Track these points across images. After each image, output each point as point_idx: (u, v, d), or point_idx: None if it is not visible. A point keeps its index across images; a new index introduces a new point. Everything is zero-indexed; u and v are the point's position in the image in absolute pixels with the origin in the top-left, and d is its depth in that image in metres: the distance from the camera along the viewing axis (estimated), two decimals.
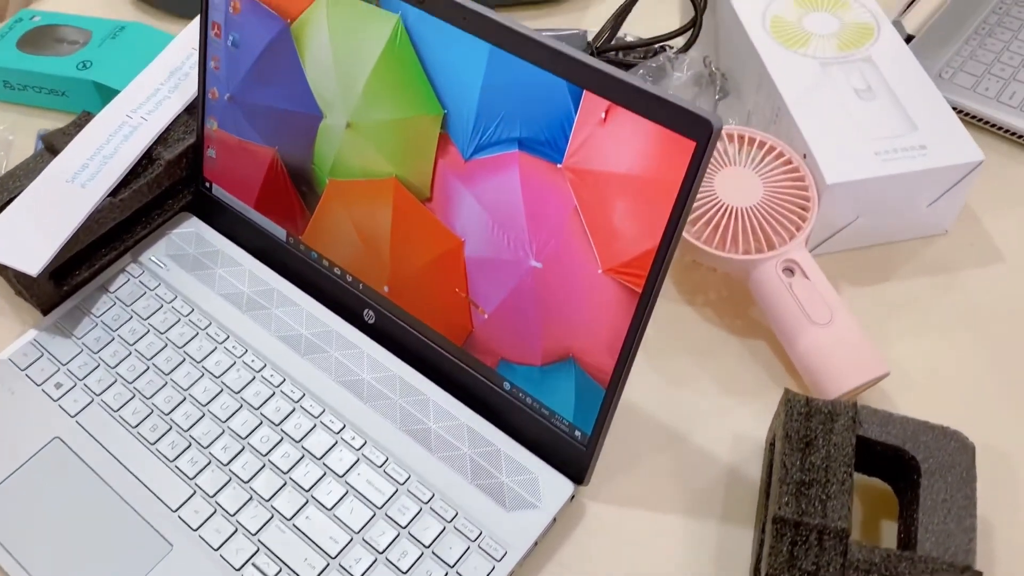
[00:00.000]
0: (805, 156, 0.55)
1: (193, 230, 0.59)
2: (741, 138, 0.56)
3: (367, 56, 0.47)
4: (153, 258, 0.58)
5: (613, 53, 0.65)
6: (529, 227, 0.44)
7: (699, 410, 0.52)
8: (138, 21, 0.76)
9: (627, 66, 0.65)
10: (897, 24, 0.68)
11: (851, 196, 0.54)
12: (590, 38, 0.66)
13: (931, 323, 0.55)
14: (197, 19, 0.65)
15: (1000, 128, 0.64)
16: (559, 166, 0.42)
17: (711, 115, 0.37)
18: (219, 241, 0.59)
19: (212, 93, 0.56)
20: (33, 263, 0.53)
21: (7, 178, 0.59)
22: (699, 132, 0.37)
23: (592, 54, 0.64)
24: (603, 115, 0.40)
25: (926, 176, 0.54)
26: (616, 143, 0.40)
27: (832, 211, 0.55)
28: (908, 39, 0.68)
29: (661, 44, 0.65)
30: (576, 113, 0.41)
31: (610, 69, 0.39)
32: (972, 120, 0.64)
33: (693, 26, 0.65)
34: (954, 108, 0.64)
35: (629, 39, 0.68)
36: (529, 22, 0.74)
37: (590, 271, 0.43)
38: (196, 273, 0.57)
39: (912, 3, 0.70)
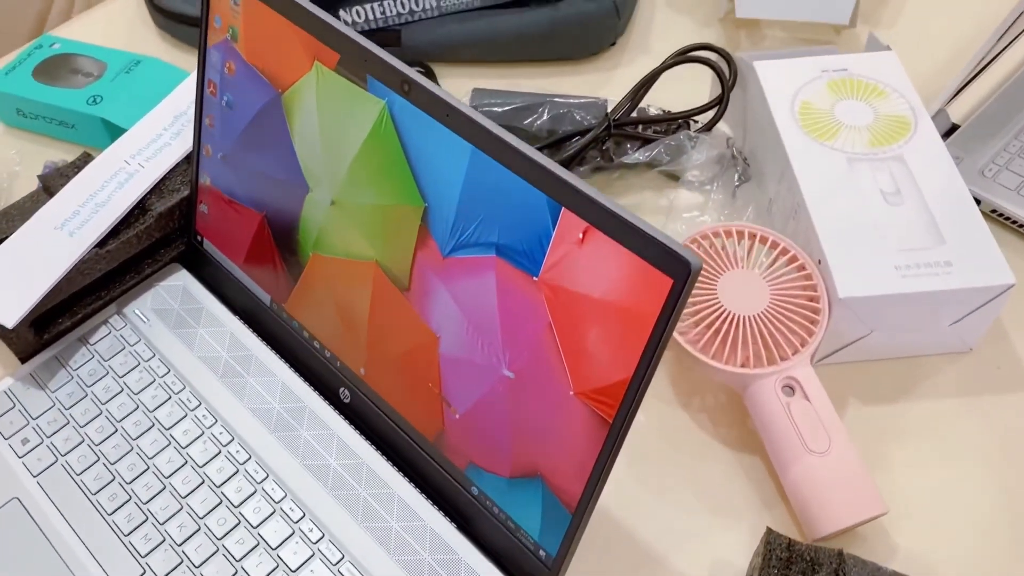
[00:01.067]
0: (820, 262, 0.52)
1: (181, 283, 0.58)
2: (752, 236, 0.53)
3: (353, 137, 0.45)
4: (137, 311, 0.56)
5: (632, 127, 0.62)
6: (503, 335, 0.42)
7: (680, 528, 0.49)
8: (162, 51, 0.76)
9: (646, 141, 0.62)
10: (941, 113, 0.64)
11: (865, 311, 0.50)
12: (610, 108, 0.63)
13: (944, 451, 0.51)
14: None
15: None
16: (535, 279, 0.39)
17: (690, 255, 0.34)
18: (205, 298, 0.57)
19: (206, 149, 0.54)
20: (10, 315, 0.52)
21: (1, 217, 0.58)
22: (676, 271, 0.34)
23: (609, 126, 0.61)
24: (581, 235, 0.37)
25: (950, 296, 0.50)
26: (593, 266, 0.37)
27: (844, 324, 0.51)
28: (951, 130, 0.64)
29: (684, 119, 0.62)
30: (554, 229, 0.38)
31: (590, 190, 0.36)
32: (1013, 225, 0.60)
33: (719, 103, 0.61)
34: (994, 211, 0.60)
35: (652, 110, 0.65)
36: (552, 80, 0.72)
37: (562, 391, 0.40)
38: (178, 331, 0.55)
39: (961, 91, 0.65)
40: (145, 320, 0.56)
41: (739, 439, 0.52)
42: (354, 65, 0.43)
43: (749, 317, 0.50)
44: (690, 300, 0.51)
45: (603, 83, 0.72)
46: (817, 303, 0.50)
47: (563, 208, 0.37)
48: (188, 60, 0.75)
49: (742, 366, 0.49)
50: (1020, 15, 0.67)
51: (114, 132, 0.66)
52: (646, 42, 0.74)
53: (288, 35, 0.46)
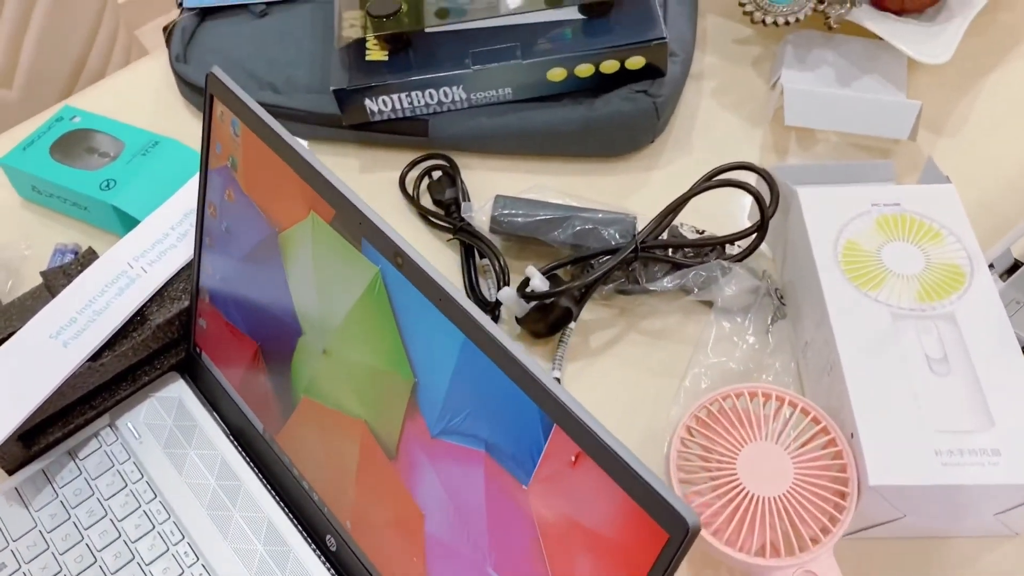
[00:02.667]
0: (852, 435, 0.47)
1: (177, 395, 0.56)
2: (781, 399, 0.49)
3: (346, 295, 0.42)
4: (130, 425, 0.54)
5: (660, 250, 0.58)
6: (490, 535, 0.38)
7: None
8: (187, 122, 0.74)
9: (675, 265, 0.58)
10: (1005, 254, 0.58)
11: (898, 499, 0.46)
12: (639, 223, 0.59)
13: None
14: None
15: None
16: (524, 487, 0.36)
17: (690, 513, 0.30)
18: (200, 414, 0.55)
19: (207, 268, 0.52)
20: None
21: (2, 315, 0.56)
22: (674, 528, 0.30)
23: (635, 249, 0.57)
24: (573, 458, 0.33)
25: (997, 491, 0.45)
26: (585, 493, 0.33)
27: (873, 508, 0.47)
28: (1014, 267, 0.59)
29: (718, 244, 0.58)
30: (545, 443, 0.34)
31: (586, 416, 0.32)
32: None
33: (757, 231, 0.57)
34: None
35: (684, 228, 0.61)
36: (583, 178, 0.68)
37: None
38: (169, 451, 0.53)
39: None
40: (137, 436, 0.54)
41: None
42: (349, 225, 0.40)
43: (770, 499, 0.45)
44: (708, 473, 0.47)
45: (637, 185, 0.68)
46: (846, 487, 0.46)
47: (555, 426, 0.34)
48: None
49: (758, 553, 0.45)
50: None
51: (124, 219, 0.64)
52: (687, 139, 0.70)
53: (286, 178, 0.43)
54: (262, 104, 0.70)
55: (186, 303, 0.55)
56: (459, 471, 0.39)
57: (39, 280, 0.64)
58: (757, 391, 0.49)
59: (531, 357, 0.34)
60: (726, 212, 0.64)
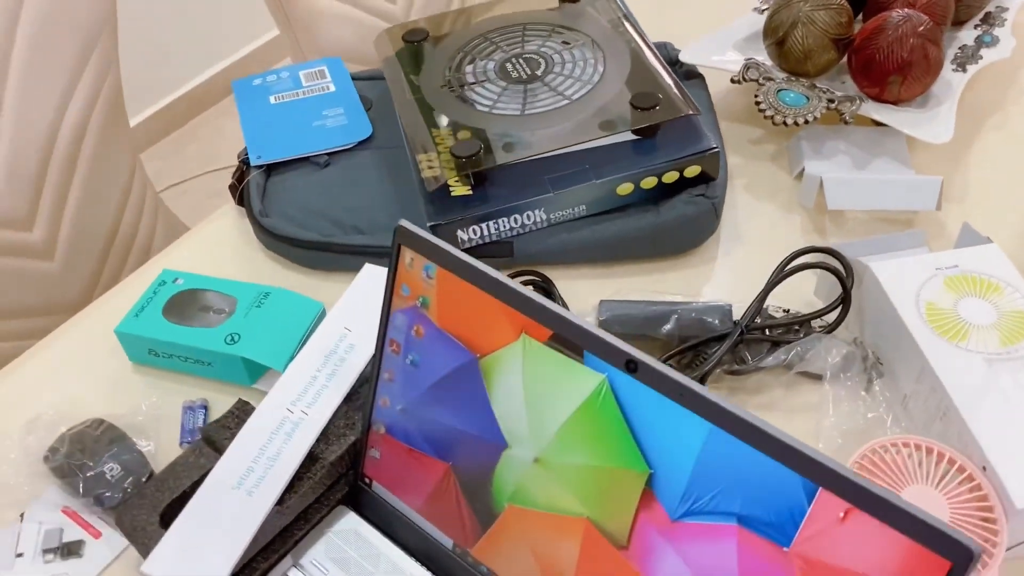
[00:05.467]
0: (984, 468, 0.54)
1: (352, 527, 0.58)
2: (918, 447, 0.55)
3: (564, 404, 0.47)
4: (315, 561, 0.57)
5: (760, 331, 0.65)
6: None
7: None
8: (274, 273, 0.78)
9: (775, 343, 0.65)
10: None
11: None
12: (735, 310, 0.67)
13: None
14: (346, 297, 0.65)
15: None
16: (786, 550, 0.41)
17: (970, 542, 0.36)
18: (379, 541, 0.58)
19: (383, 401, 0.56)
20: None
21: (166, 474, 0.59)
22: (956, 556, 0.36)
23: (742, 332, 0.64)
24: (842, 514, 0.39)
25: None
26: (856, 544, 0.39)
27: (1019, 529, 0.53)
28: None
29: (808, 320, 0.65)
30: (809, 507, 0.40)
31: (853, 476, 0.38)
32: None
33: (842, 303, 0.65)
34: None
35: (772, 311, 0.68)
36: (655, 276, 0.75)
37: None
38: None
39: None
40: (324, 571, 0.56)
41: None
42: (569, 342, 0.46)
43: None
44: None
45: (704, 277, 0.75)
46: (993, 515, 0.52)
47: (820, 489, 0.39)
48: (303, 283, 0.77)
49: None
50: None
51: (252, 369, 0.68)
52: (736, 232, 0.78)
53: (491, 310, 0.48)
54: (354, 245, 0.75)
55: (352, 438, 0.59)
56: (707, 547, 0.44)
57: (175, 440, 0.66)
58: (898, 442, 0.56)
59: (782, 430, 0.40)
60: (791, 291, 0.72)
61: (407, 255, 0.51)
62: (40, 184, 0.93)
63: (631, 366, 0.44)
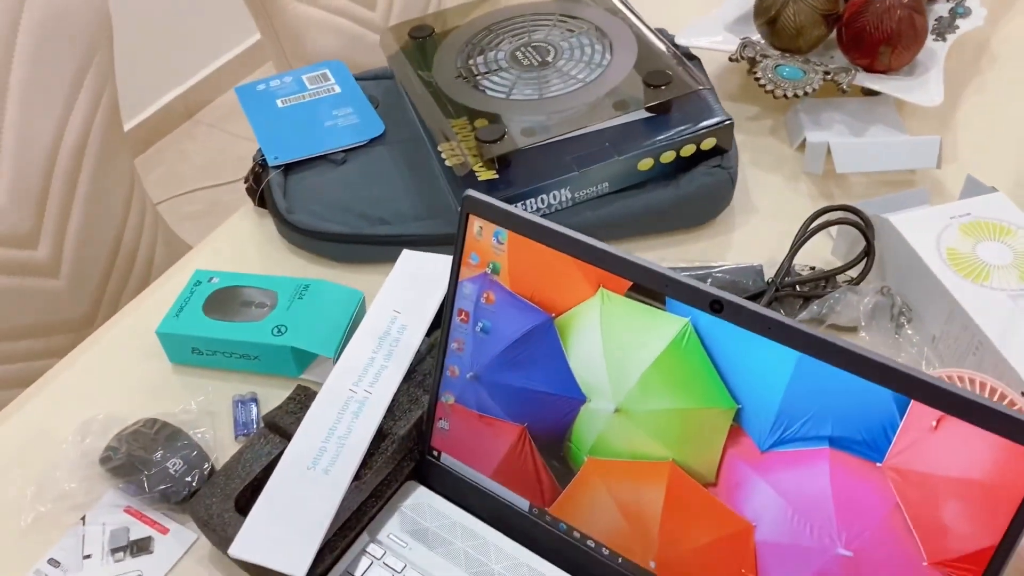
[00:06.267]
0: (1023, 393, 0.57)
1: (424, 501, 0.60)
2: (961, 379, 0.59)
3: (647, 351, 0.49)
4: (392, 535, 0.58)
5: (791, 287, 0.68)
6: (838, 518, 0.45)
7: None
8: (300, 267, 0.79)
9: (807, 298, 0.68)
10: None
11: None
12: (767, 272, 0.69)
13: None
14: (390, 281, 0.67)
15: None
16: (879, 465, 0.44)
17: None
18: (452, 511, 0.59)
19: (451, 371, 0.57)
20: (299, 566, 0.53)
21: (234, 463, 0.59)
22: None
23: (776, 289, 0.67)
24: (934, 423, 0.42)
25: None
26: (949, 449, 0.42)
27: None
28: None
29: (836, 274, 0.69)
30: (902, 420, 0.42)
31: (942, 383, 0.41)
32: None
33: (867, 256, 0.68)
34: None
35: (799, 269, 0.71)
36: (679, 248, 0.78)
37: (913, 563, 0.44)
38: (440, 550, 0.57)
39: None
40: (404, 544, 0.57)
41: None
42: (650, 291, 0.48)
43: None
44: None
45: (725, 246, 0.78)
46: None
47: (912, 401, 0.42)
48: (331, 277, 0.78)
49: None
50: None
51: (300, 358, 0.68)
52: (750, 202, 0.82)
53: (566, 268, 0.50)
54: (383, 236, 0.76)
55: (418, 413, 0.60)
56: (798, 473, 0.46)
57: (229, 434, 0.66)
58: (942, 375, 0.59)
59: (871, 350, 0.43)
60: (810, 254, 0.76)
61: (475, 224, 0.53)
62: (43, 201, 0.92)
63: (716, 306, 0.46)
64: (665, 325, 0.48)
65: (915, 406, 0.42)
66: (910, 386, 0.42)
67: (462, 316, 0.56)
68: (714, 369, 0.47)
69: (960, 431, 0.41)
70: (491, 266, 0.53)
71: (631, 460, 0.52)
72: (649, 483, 0.51)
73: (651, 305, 0.48)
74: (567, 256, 0.50)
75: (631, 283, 0.49)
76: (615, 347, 0.50)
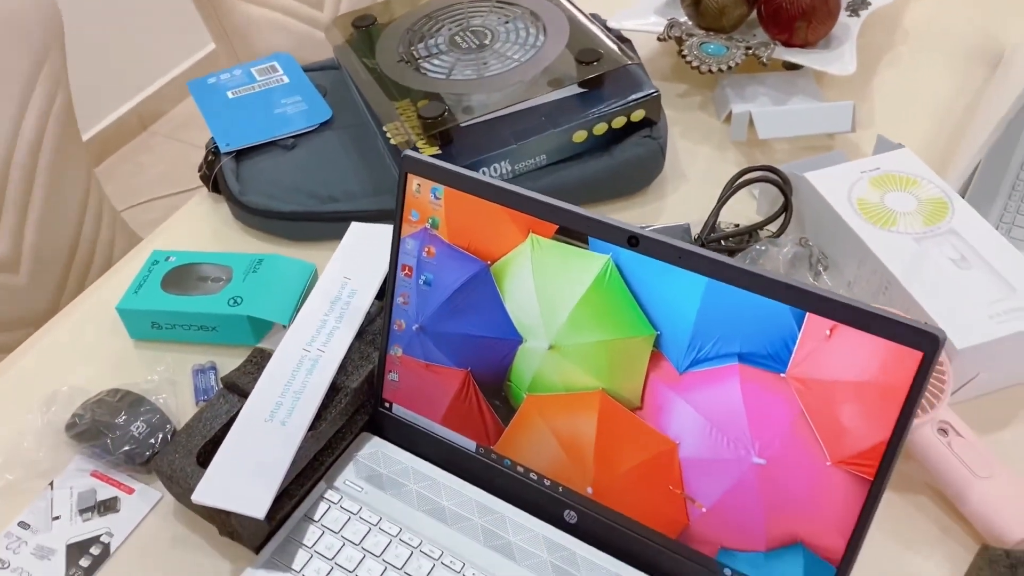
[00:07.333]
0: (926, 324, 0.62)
1: (378, 450, 0.63)
2: None
3: (574, 289, 0.53)
4: (348, 482, 0.61)
5: (717, 243, 0.73)
6: (751, 429, 0.50)
7: (886, 567, 0.57)
8: (253, 246, 0.82)
9: (731, 252, 0.73)
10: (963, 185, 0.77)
11: (977, 357, 0.61)
12: (694, 230, 0.74)
13: None
14: (340, 251, 0.70)
15: None
16: (783, 376, 0.48)
17: (936, 329, 0.43)
18: (405, 457, 0.62)
19: (398, 324, 0.61)
20: (259, 507, 0.56)
21: (196, 421, 0.62)
22: (926, 345, 0.44)
23: (702, 244, 0.71)
24: (828, 332, 0.46)
25: None
26: (842, 355, 0.46)
27: (960, 371, 0.62)
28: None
29: (757, 229, 0.74)
30: (800, 332, 0.47)
31: (834, 295, 0.46)
32: None
33: (785, 211, 0.73)
34: None
35: (724, 227, 0.76)
36: (616, 215, 0.82)
37: (818, 464, 0.48)
38: (393, 492, 0.60)
39: (972, 178, 0.79)
40: (359, 489, 0.61)
41: (903, 485, 0.61)
42: (575, 231, 0.52)
43: None
44: None
45: (658, 212, 0.83)
46: (939, 358, 0.61)
47: (807, 313, 0.47)
48: (287, 252, 0.81)
49: None
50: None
51: (257, 327, 0.71)
52: (681, 171, 0.87)
53: (499, 217, 0.54)
54: (333, 212, 0.80)
55: (369, 368, 0.63)
56: (713, 390, 0.50)
57: (190, 401, 0.69)
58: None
59: (770, 271, 0.47)
60: (736, 212, 0.80)
61: (414, 182, 0.57)
62: (1, 198, 0.95)
63: (633, 241, 0.51)
64: (589, 263, 0.52)
65: (810, 318, 0.47)
66: (804, 300, 0.47)
67: (406, 271, 0.59)
68: (634, 300, 0.52)
69: (850, 337, 0.46)
70: (430, 221, 0.57)
71: (565, 393, 0.56)
72: (583, 413, 0.55)
73: (576, 245, 0.53)
74: (498, 205, 0.54)
75: (557, 226, 0.53)
76: (546, 288, 0.54)
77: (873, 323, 0.45)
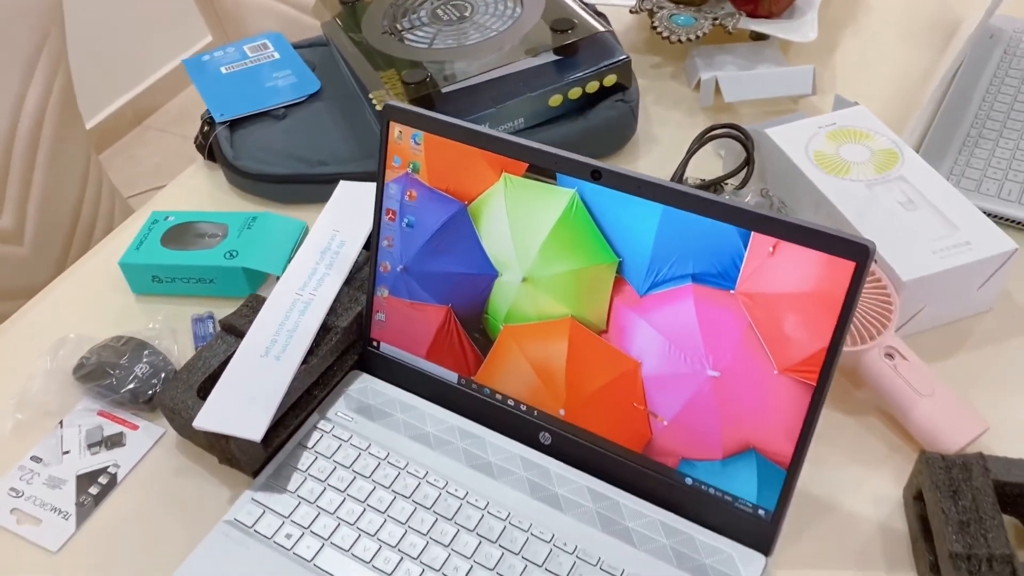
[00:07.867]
0: (876, 261, 0.67)
1: (366, 385, 0.68)
2: None
3: (543, 223, 0.58)
4: (339, 413, 0.66)
5: None
6: (705, 344, 0.54)
7: (839, 481, 0.61)
8: (247, 208, 0.86)
9: None
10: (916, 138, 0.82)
11: (922, 289, 0.66)
12: None
13: (999, 382, 0.66)
14: (329, 206, 0.75)
15: (1006, 219, 0.78)
16: (732, 292, 0.53)
17: (867, 240, 0.48)
18: (392, 391, 0.67)
19: (384, 266, 0.66)
20: (255, 431, 0.60)
21: (196, 360, 0.67)
22: (859, 255, 0.49)
23: None
24: (771, 249, 0.51)
25: (976, 266, 0.66)
26: (784, 270, 0.51)
27: (906, 304, 0.67)
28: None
29: (721, 182, 0.78)
30: (746, 250, 0.52)
31: (775, 215, 0.50)
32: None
33: (747, 165, 0.78)
34: None
35: (691, 182, 0.81)
36: None
37: (766, 373, 0.53)
38: (381, 421, 0.65)
39: (926, 135, 0.84)
40: (350, 418, 0.65)
41: (854, 408, 0.66)
42: (543, 169, 0.57)
43: None
44: None
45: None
46: (887, 291, 0.66)
47: (752, 232, 0.51)
48: (279, 211, 0.86)
49: (852, 347, 0.63)
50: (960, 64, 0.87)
51: (252, 279, 0.76)
52: (653, 135, 0.91)
53: (474, 159, 0.59)
54: (322, 175, 0.85)
55: (357, 309, 0.68)
56: (670, 311, 0.55)
57: (190, 348, 0.74)
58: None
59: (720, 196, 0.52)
60: (704, 169, 0.85)
61: (395, 129, 0.61)
62: (5, 173, 0.99)
63: (596, 175, 0.55)
64: (557, 198, 0.57)
65: (755, 237, 0.51)
66: (749, 220, 0.51)
67: (390, 215, 0.64)
68: (598, 231, 0.56)
69: (790, 253, 0.51)
70: (411, 165, 0.62)
71: (538, 322, 0.60)
72: (554, 339, 0.60)
73: (544, 182, 0.57)
74: (474, 148, 0.59)
75: (527, 165, 0.58)
76: (519, 223, 0.59)
77: (810, 238, 0.50)
